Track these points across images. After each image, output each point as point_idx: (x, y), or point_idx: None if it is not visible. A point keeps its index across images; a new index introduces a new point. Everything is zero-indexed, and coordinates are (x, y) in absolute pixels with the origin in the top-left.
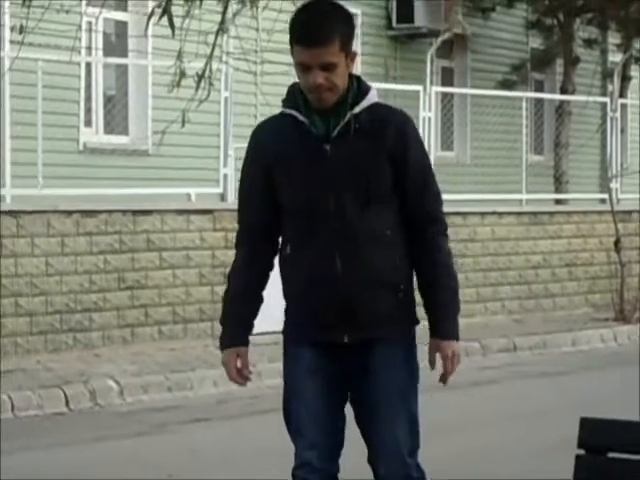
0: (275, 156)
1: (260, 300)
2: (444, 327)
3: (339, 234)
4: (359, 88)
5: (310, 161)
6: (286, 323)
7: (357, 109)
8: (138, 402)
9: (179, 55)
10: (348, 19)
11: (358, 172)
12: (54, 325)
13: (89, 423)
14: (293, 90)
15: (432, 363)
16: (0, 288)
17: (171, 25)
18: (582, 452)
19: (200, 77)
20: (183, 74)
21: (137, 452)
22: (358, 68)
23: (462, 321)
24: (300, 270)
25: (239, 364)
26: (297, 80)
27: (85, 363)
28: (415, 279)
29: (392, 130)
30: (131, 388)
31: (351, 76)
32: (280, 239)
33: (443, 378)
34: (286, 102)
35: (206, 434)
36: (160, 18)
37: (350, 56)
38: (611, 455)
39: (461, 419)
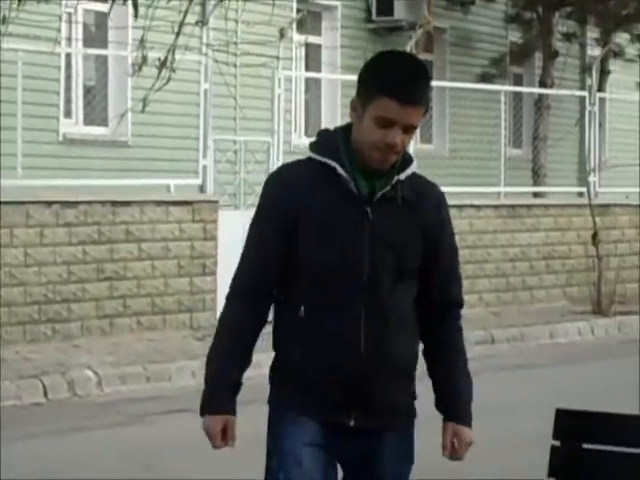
0: (306, 207)
1: (250, 361)
2: (466, 412)
3: (368, 311)
4: (404, 155)
5: (347, 223)
6: (282, 388)
7: (402, 176)
8: (116, 393)
9: (141, 42)
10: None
11: (396, 244)
12: (33, 316)
13: (67, 413)
14: (333, 139)
15: (448, 447)
16: None
17: (135, 9)
18: (557, 443)
19: (162, 65)
20: (145, 61)
21: (115, 442)
22: (337, 61)
23: None
24: (316, 338)
25: (225, 432)
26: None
27: (63, 354)
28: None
29: (431, 205)
30: (109, 379)
31: None
32: (283, 297)
33: (455, 459)
34: (321, 150)
35: (184, 425)
36: (125, 1)
37: None
38: (586, 446)
39: (436, 411)
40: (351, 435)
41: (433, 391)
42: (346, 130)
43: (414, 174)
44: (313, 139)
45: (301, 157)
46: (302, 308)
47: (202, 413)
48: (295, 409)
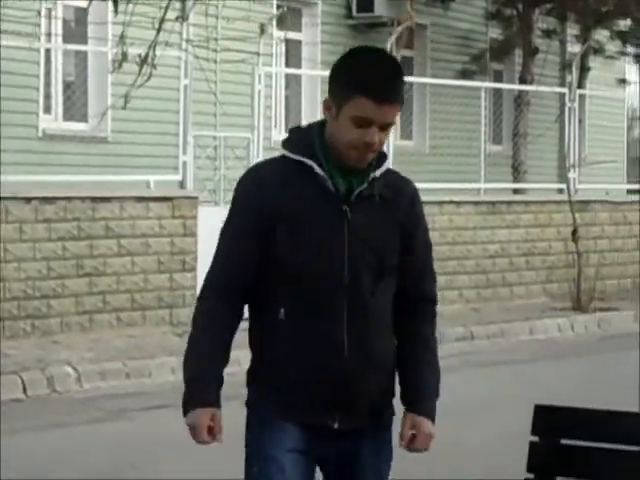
0: (282, 206)
1: (229, 358)
2: (429, 405)
3: (350, 311)
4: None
5: (325, 222)
6: (262, 390)
7: (378, 172)
8: (96, 389)
9: (121, 38)
10: None
11: (375, 242)
12: (12, 312)
13: (46, 410)
14: (307, 136)
15: (406, 437)
16: None
17: (115, 5)
18: (536, 439)
19: (143, 61)
20: (125, 57)
21: (94, 439)
22: (318, 57)
23: None
24: (298, 341)
25: (212, 425)
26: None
27: (43, 350)
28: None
29: (406, 201)
30: (89, 375)
31: None
32: (260, 298)
33: (413, 451)
34: (295, 148)
35: (164, 421)
36: None
37: None
38: (564, 442)
39: None
40: (334, 437)
41: (399, 384)
42: (320, 127)
43: (388, 170)
44: (286, 136)
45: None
46: (282, 310)
47: (186, 411)
48: (276, 413)
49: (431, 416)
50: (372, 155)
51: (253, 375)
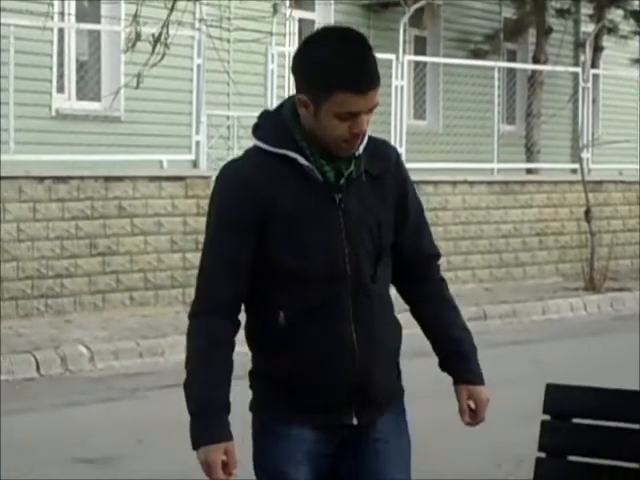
0: (272, 205)
1: (230, 383)
2: (476, 370)
3: (355, 303)
4: None
5: (319, 216)
6: (269, 394)
7: (361, 148)
8: (109, 368)
9: (135, 17)
10: None
11: (371, 225)
12: (25, 291)
13: (59, 389)
14: (284, 125)
15: (466, 412)
16: None
17: None
18: (547, 418)
19: (156, 41)
20: (138, 37)
21: (107, 418)
22: None
23: None
24: (304, 344)
25: (227, 462)
26: (271, 108)
27: (56, 329)
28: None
29: (392, 169)
30: (102, 354)
31: None
32: (254, 301)
33: (476, 422)
34: (275, 140)
35: (176, 400)
36: None
37: None
38: (575, 420)
39: (431, 387)
40: (350, 431)
41: (435, 352)
42: (293, 109)
43: (368, 139)
44: (256, 124)
45: None
46: (281, 313)
47: (196, 445)
48: (285, 418)
49: (482, 380)
50: (359, 140)
51: (256, 378)
